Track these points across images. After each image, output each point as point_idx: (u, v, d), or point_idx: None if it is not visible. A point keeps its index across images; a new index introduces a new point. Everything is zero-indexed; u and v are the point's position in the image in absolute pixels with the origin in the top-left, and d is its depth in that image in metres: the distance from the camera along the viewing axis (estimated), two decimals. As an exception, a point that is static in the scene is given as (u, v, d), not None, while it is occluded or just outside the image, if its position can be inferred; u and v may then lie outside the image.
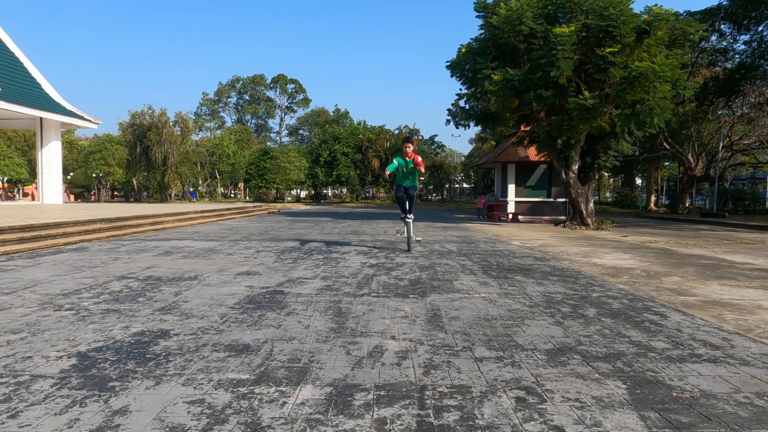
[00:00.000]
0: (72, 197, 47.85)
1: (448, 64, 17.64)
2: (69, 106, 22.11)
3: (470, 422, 2.24)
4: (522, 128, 19.46)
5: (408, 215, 8.64)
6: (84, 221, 10.54)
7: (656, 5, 14.50)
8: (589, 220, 16.52)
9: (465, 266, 7.06)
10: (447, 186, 65.73)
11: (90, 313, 4.15)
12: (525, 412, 2.36)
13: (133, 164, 41.59)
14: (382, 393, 2.56)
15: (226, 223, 16.43)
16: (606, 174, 50.95)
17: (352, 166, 47.95)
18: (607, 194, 60.15)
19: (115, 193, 60.01)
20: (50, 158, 21.87)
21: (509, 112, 16.70)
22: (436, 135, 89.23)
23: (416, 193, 8.83)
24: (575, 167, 16.81)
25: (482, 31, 16.94)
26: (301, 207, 36.12)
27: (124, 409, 2.34)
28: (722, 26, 23.55)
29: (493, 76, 15.08)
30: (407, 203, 8.69)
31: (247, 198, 59.29)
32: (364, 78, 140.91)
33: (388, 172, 8.33)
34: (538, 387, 2.67)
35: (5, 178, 44.84)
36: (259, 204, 27.69)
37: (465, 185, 78.23)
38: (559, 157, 16.83)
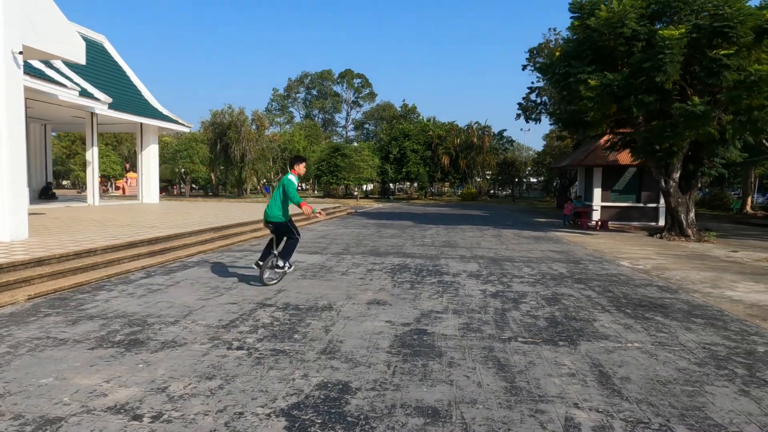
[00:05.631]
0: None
1: (539, 66, 17.19)
2: (165, 111, 23.50)
3: None
4: (614, 132, 18.55)
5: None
6: (197, 231, 11.24)
7: (778, 1, 13.31)
8: (689, 231, 15.55)
9: (591, 298, 6.85)
10: (516, 181, 64.16)
11: (261, 355, 4.38)
12: None
13: (214, 161, 43.65)
14: (612, 490, 2.52)
15: (314, 227, 16.92)
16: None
17: (422, 163, 47.84)
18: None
19: (193, 186, 63.24)
20: (149, 160, 23.38)
21: (604, 117, 15.99)
22: (505, 129, 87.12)
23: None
24: (676, 175, 15.86)
25: (570, 32, 16.31)
26: (374, 205, 36.53)
27: (367, 494, 2.44)
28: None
29: (590, 81, 14.47)
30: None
31: (316, 192, 60.70)
32: (431, 72, 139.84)
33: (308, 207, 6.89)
34: (779, 494, 2.53)
35: (100, 174, 48.43)
36: (338, 204, 28.29)
37: (532, 179, 75.82)
38: (659, 165, 15.93)
